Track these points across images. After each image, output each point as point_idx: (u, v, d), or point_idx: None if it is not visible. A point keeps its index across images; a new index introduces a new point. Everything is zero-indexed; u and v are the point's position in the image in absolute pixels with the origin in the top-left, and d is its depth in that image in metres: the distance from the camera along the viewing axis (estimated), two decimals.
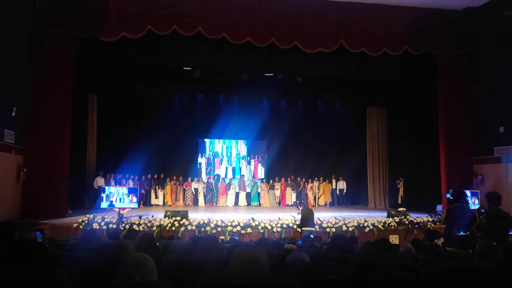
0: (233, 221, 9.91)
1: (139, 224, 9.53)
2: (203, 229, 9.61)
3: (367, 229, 10.34)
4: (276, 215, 11.28)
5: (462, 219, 5.41)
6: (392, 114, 17.09)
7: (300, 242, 6.46)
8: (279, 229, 9.99)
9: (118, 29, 11.26)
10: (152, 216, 10.20)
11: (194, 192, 15.95)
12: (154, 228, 9.56)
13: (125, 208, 10.02)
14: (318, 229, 9.84)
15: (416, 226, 10.69)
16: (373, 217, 11.02)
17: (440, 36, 12.63)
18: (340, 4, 12.27)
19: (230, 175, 17.26)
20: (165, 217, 9.96)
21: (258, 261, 2.00)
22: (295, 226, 9.99)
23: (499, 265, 2.90)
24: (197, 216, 10.98)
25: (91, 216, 9.85)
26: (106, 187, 10.05)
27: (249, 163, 17.65)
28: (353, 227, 10.24)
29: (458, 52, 12.81)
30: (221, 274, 2.00)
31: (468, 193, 7.80)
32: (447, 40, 12.66)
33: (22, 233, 5.85)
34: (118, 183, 14.35)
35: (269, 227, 9.95)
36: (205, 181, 16.42)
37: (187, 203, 15.69)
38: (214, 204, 15.92)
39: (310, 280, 2.33)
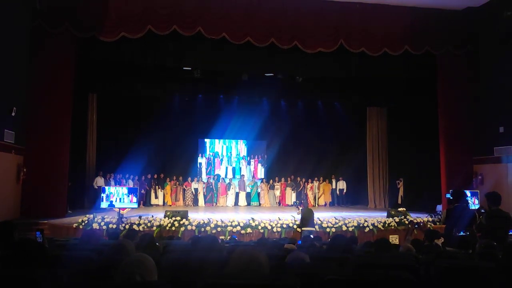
0: (233, 221, 9.91)
1: (139, 224, 9.52)
2: (203, 229, 9.61)
3: (367, 229, 10.34)
4: (276, 215, 11.28)
5: (462, 219, 5.41)
6: (392, 114, 17.09)
7: (300, 242, 6.47)
8: (279, 229, 9.99)
9: (118, 29, 11.26)
10: (152, 216, 10.19)
11: (194, 192, 15.95)
12: (154, 228, 9.56)
13: (125, 208, 10.02)
14: (318, 229, 9.83)
15: (416, 226, 10.69)
16: (373, 217, 11.02)
17: (440, 36, 12.63)
18: (340, 4, 12.27)
19: (230, 175, 17.26)
20: (165, 217, 9.96)
21: (258, 261, 2.00)
22: (295, 226, 9.99)
23: (499, 265, 2.90)
24: (197, 216, 10.98)
25: (91, 216, 9.85)
26: (106, 187, 10.05)
27: (249, 163, 17.65)
28: (353, 227, 10.24)
29: (458, 52, 12.81)
30: (221, 274, 2.00)
31: (468, 193, 7.80)
32: (447, 40, 12.66)
33: (22, 233, 5.85)
34: (118, 183, 14.35)
35: (269, 227, 9.94)
36: (205, 181, 16.43)
37: (187, 203, 15.69)
38: (214, 204, 15.92)
39: (310, 280, 2.33)
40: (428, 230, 7.79)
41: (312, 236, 8.14)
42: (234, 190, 16.35)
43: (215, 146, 17.70)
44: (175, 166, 16.44)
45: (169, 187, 15.71)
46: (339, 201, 16.83)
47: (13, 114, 10.09)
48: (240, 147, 17.86)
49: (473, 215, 5.56)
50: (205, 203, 15.83)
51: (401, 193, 15.80)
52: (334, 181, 16.93)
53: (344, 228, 10.18)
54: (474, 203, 9.51)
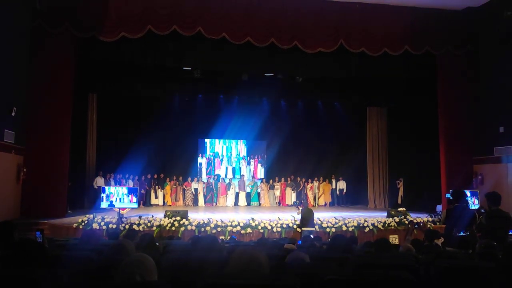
0: (233, 221, 9.91)
1: (139, 224, 9.52)
2: (203, 229, 9.61)
3: (367, 229, 10.34)
4: (276, 215, 11.28)
5: (462, 219, 5.41)
6: (392, 114, 17.09)
7: (300, 242, 6.46)
8: (279, 229, 9.99)
9: (118, 29, 11.26)
10: (152, 216, 10.19)
11: (194, 192, 15.95)
12: (154, 228, 9.55)
13: (125, 208, 10.02)
14: (318, 229, 9.83)
15: (416, 226, 10.69)
16: (373, 217, 11.02)
17: (440, 36, 12.63)
18: (340, 4, 12.27)
19: (230, 175, 17.26)
20: (165, 217, 9.95)
21: (258, 261, 2.00)
22: (295, 226, 9.99)
23: (499, 265, 2.90)
24: (197, 216, 10.98)
25: (91, 216, 9.85)
26: (106, 187, 10.05)
27: (249, 163, 17.65)
28: (353, 227, 10.23)
29: (458, 52, 12.81)
30: (221, 274, 2.00)
31: (468, 193, 7.80)
32: (447, 40, 12.66)
33: (22, 233, 5.85)
34: (118, 183, 14.35)
35: (269, 227, 9.94)
36: (205, 181, 16.43)
37: (187, 203, 15.69)
38: (214, 204, 15.92)
39: (310, 280, 2.33)
40: (428, 230, 7.80)
41: (312, 236, 8.14)
42: (234, 190, 16.35)
43: (215, 146, 17.70)
44: (175, 166, 16.44)
45: (169, 187, 15.71)
46: (339, 201, 16.83)
47: (13, 114, 10.09)
48: (240, 147, 17.86)
49: (473, 215, 5.56)
50: (205, 203, 15.83)
51: (401, 193, 15.80)
52: (334, 181, 16.93)
53: (344, 228, 10.18)
54: (474, 203, 9.51)
